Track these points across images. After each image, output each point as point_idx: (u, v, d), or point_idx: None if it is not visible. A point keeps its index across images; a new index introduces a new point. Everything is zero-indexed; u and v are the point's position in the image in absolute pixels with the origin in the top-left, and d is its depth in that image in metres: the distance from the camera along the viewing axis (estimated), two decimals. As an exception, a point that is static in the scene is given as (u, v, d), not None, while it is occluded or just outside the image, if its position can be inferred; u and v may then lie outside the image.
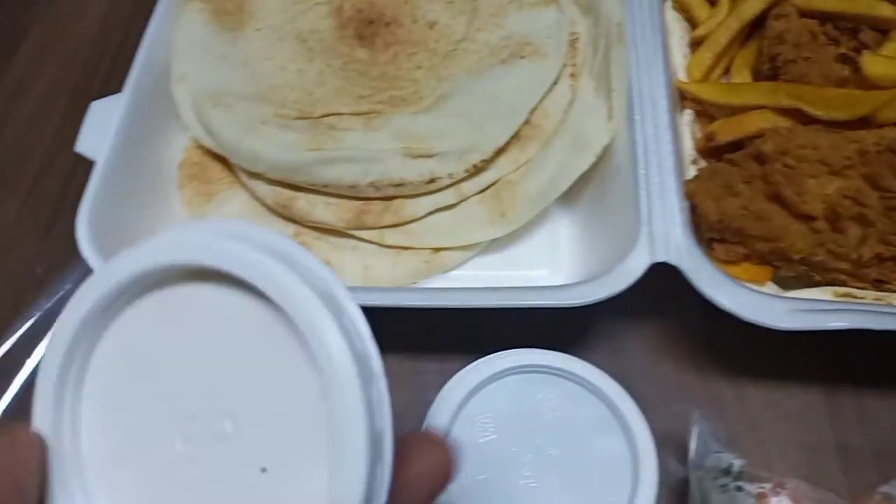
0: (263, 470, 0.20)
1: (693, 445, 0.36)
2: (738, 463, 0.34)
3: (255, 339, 0.20)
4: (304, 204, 0.43)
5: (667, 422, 0.39)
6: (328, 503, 0.18)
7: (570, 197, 0.45)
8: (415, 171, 0.42)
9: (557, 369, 0.38)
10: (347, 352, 0.19)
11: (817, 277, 0.40)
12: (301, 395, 0.19)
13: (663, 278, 0.38)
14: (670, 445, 0.39)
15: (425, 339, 0.44)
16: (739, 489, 0.33)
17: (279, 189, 0.43)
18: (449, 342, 0.43)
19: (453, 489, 0.36)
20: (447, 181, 0.42)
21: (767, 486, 0.33)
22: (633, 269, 0.37)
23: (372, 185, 0.42)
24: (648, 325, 0.44)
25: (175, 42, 0.47)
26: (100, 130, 0.43)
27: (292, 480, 0.19)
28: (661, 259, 0.37)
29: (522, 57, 0.46)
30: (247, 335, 0.20)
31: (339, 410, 0.19)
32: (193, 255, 0.20)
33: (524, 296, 0.37)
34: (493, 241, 0.44)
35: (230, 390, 0.20)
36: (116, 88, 0.45)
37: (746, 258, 0.40)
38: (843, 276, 0.39)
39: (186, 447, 0.21)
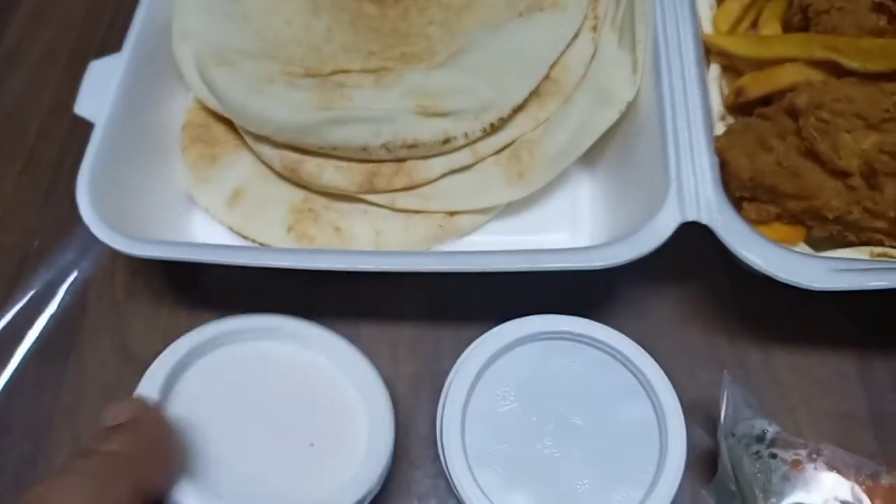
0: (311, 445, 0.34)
1: (724, 411, 0.34)
2: (771, 429, 0.33)
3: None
4: (313, 167, 0.41)
5: (693, 389, 0.37)
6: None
7: (591, 156, 0.43)
8: (429, 130, 0.40)
9: (580, 335, 0.37)
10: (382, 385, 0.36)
11: (851, 237, 0.38)
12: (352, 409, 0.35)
13: (687, 240, 0.36)
14: (697, 414, 0.38)
15: (441, 307, 0.42)
16: (773, 456, 0.32)
17: (286, 152, 0.42)
18: (465, 309, 0.42)
19: (473, 458, 0.35)
20: (462, 141, 0.40)
21: (803, 452, 0.32)
22: (662, 228, 0.35)
23: (384, 146, 0.40)
24: (673, 289, 0.42)
25: (175, 3, 0.45)
26: (99, 91, 0.41)
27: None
28: (691, 218, 0.35)
29: (541, 10, 0.44)
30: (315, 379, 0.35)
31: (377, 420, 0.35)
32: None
33: (547, 258, 0.35)
34: (511, 204, 0.42)
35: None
36: (115, 49, 0.43)
37: (778, 218, 0.38)
38: (879, 236, 0.37)
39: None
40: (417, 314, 0.41)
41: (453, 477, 0.34)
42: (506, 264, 0.35)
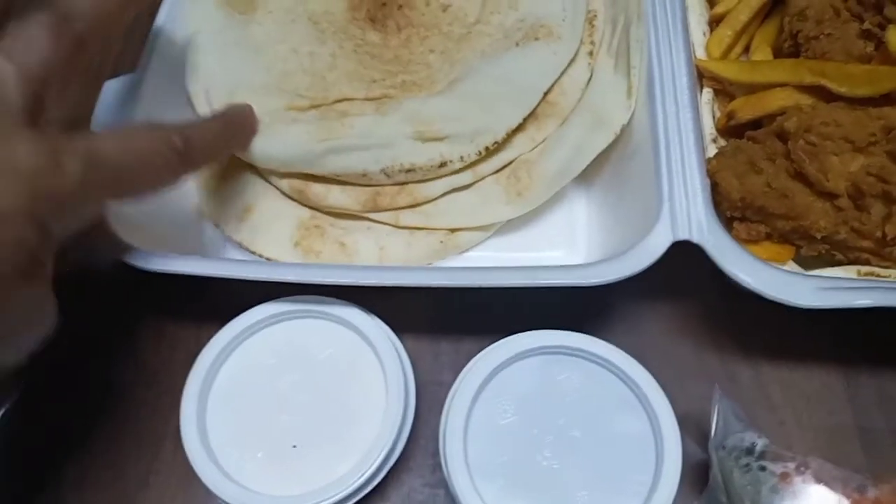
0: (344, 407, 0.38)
1: (714, 424, 0.35)
2: (761, 442, 0.34)
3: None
4: (319, 189, 0.43)
5: (685, 403, 0.38)
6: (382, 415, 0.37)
7: (587, 176, 0.44)
8: (425, 155, 0.41)
9: (578, 350, 0.38)
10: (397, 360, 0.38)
11: (839, 256, 0.39)
12: (375, 378, 0.38)
13: (680, 258, 0.37)
14: (689, 427, 0.39)
15: (441, 321, 0.43)
16: (763, 469, 0.33)
17: (293, 179, 0.43)
18: (464, 324, 0.43)
19: (475, 470, 0.36)
20: (459, 164, 0.42)
21: (791, 465, 0.33)
22: (654, 247, 0.36)
23: (383, 171, 0.41)
24: (666, 305, 0.44)
25: (187, 26, 0.46)
26: (113, 110, 0.43)
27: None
28: (683, 237, 0.36)
29: (537, 39, 0.45)
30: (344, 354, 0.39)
31: (390, 384, 0.38)
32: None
33: (543, 275, 0.36)
34: (510, 221, 0.44)
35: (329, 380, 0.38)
36: (129, 68, 0.44)
37: (767, 237, 0.40)
38: (866, 255, 0.39)
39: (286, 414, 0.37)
40: (418, 327, 0.42)
41: (455, 488, 0.35)
42: (505, 280, 0.36)
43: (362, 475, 0.35)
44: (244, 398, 0.38)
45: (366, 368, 0.38)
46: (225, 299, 0.41)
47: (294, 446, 0.36)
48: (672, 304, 0.44)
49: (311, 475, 0.36)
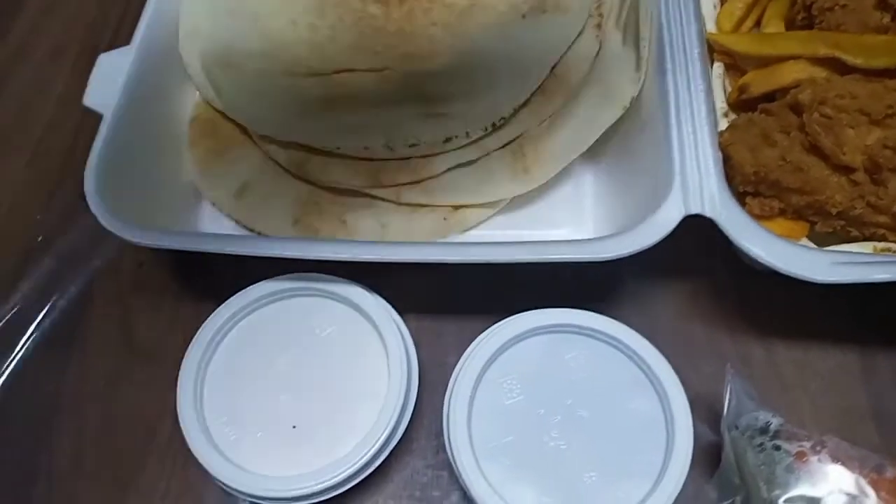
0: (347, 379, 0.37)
1: (727, 404, 0.34)
2: (775, 421, 0.33)
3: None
4: (319, 164, 0.41)
5: (696, 383, 0.37)
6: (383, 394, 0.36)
7: (595, 152, 0.43)
8: (430, 130, 0.40)
9: (586, 328, 0.37)
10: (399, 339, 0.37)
11: (855, 233, 0.38)
12: (377, 357, 0.37)
13: (692, 236, 0.36)
14: (700, 407, 0.38)
15: (445, 299, 0.42)
16: (777, 448, 0.32)
17: (292, 150, 0.42)
18: (469, 302, 0.42)
19: (479, 451, 0.35)
20: (465, 140, 0.41)
21: (807, 444, 0.32)
22: (666, 221, 0.35)
23: (386, 145, 0.40)
24: (677, 283, 0.42)
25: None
26: (108, 84, 0.41)
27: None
28: (695, 211, 0.35)
29: (544, 11, 0.44)
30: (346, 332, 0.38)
31: (392, 363, 0.37)
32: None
33: (552, 250, 0.35)
34: (515, 198, 0.43)
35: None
36: (125, 43, 0.43)
37: (781, 213, 0.39)
38: (882, 231, 0.37)
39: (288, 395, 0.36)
40: (420, 307, 0.41)
41: (460, 469, 0.34)
42: (510, 255, 0.35)
43: (363, 456, 0.34)
44: (243, 377, 0.37)
45: (368, 347, 0.37)
46: (225, 277, 0.40)
47: (294, 426, 0.35)
48: (683, 282, 0.42)
49: (311, 456, 0.35)
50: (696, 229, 0.35)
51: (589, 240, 0.35)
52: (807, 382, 0.40)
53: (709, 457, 0.37)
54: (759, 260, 0.34)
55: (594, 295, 0.42)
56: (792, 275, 0.33)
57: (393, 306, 0.39)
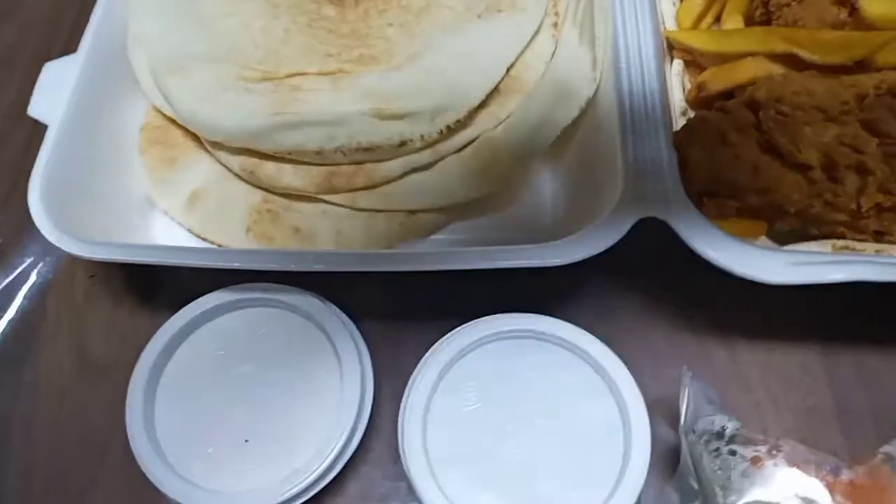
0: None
1: (684, 408, 0.34)
2: (731, 425, 0.32)
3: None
4: (271, 170, 0.41)
5: (658, 386, 0.37)
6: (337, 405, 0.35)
7: (554, 153, 0.42)
8: (384, 133, 0.39)
9: (543, 333, 0.36)
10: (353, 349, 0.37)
11: (814, 231, 0.38)
12: (331, 367, 0.37)
13: (653, 235, 0.36)
14: (661, 410, 0.37)
15: (403, 306, 0.42)
16: (733, 453, 0.32)
17: (244, 156, 0.41)
18: (427, 308, 0.41)
19: (435, 460, 0.34)
20: (419, 143, 0.40)
21: (763, 448, 0.31)
22: (618, 225, 0.34)
23: (339, 150, 0.39)
24: (638, 284, 0.42)
25: (131, 3, 0.44)
26: (54, 93, 0.41)
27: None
28: (648, 214, 0.35)
29: (500, 10, 0.43)
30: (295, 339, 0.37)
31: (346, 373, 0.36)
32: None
33: (503, 256, 0.34)
34: (474, 201, 0.42)
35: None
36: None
37: (739, 213, 0.38)
38: (841, 229, 0.37)
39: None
40: (378, 314, 0.41)
41: (414, 480, 0.33)
42: (462, 263, 0.34)
43: (317, 469, 0.34)
44: (194, 391, 0.36)
45: (320, 357, 0.36)
46: (179, 287, 0.39)
47: (246, 440, 0.35)
48: (644, 283, 0.42)
49: (264, 470, 0.34)
50: (656, 229, 0.35)
51: (539, 246, 0.35)
52: (770, 383, 0.39)
53: (670, 459, 0.37)
54: (714, 263, 0.34)
55: (555, 298, 0.41)
56: (746, 277, 0.33)
57: (348, 314, 0.38)
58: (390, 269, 0.35)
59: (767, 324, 0.41)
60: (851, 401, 0.38)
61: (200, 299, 0.37)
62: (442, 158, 0.41)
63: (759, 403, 0.39)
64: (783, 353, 0.40)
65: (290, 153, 0.40)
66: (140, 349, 0.36)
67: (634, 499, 0.32)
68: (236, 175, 0.42)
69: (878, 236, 0.37)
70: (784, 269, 0.33)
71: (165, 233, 0.43)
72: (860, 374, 0.39)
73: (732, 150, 0.37)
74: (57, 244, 0.36)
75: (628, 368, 0.35)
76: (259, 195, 0.41)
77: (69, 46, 0.53)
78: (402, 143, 0.40)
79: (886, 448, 0.32)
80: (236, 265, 0.34)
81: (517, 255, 0.34)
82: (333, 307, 0.37)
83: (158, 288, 0.43)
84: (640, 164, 0.36)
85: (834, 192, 0.37)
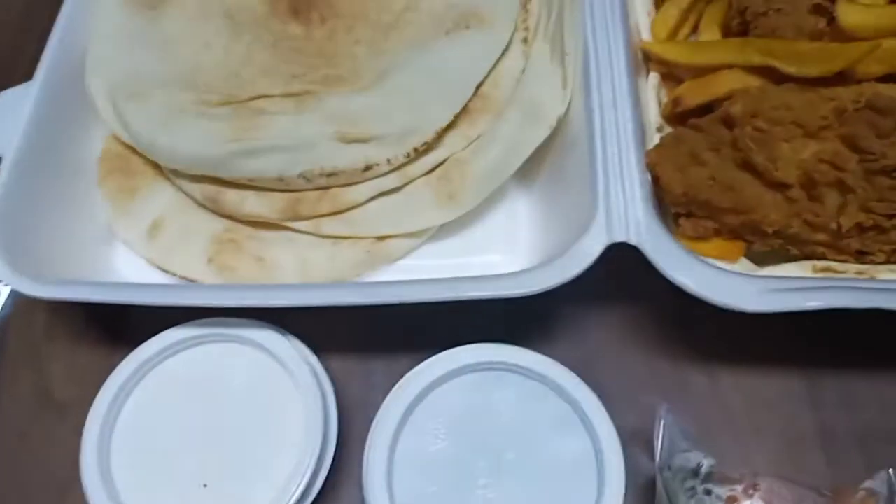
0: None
1: (659, 444, 0.32)
2: (707, 463, 0.31)
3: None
4: (233, 197, 0.39)
5: (636, 415, 0.36)
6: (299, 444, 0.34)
7: (527, 174, 0.41)
8: (348, 157, 0.38)
9: (514, 365, 0.35)
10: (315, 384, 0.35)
11: (794, 251, 0.36)
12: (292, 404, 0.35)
13: (629, 260, 0.34)
14: (640, 441, 0.36)
15: (371, 338, 0.40)
16: (708, 492, 0.30)
17: (205, 184, 0.40)
18: (396, 340, 0.40)
19: (401, 502, 0.33)
20: (386, 167, 0.39)
21: (739, 487, 0.30)
22: (588, 251, 0.33)
23: (302, 175, 0.38)
24: (614, 311, 0.41)
25: (88, 27, 0.43)
26: (9, 123, 0.39)
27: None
28: (619, 239, 0.33)
29: (468, 27, 0.42)
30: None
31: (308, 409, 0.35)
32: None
33: (469, 287, 0.33)
34: (445, 225, 0.41)
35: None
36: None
37: (716, 233, 0.37)
38: (821, 249, 0.36)
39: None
40: (344, 346, 0.39)
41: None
42: (426, 294, 0.33)
43: None
44: (151, 434, 0.35)
45: (281, 395, 0.35)
46: (141, 322, 0.38)
47: (205, 485, 0.33)
48: (620, 310, 0.41)
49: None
50: (632, 254, 0.34)
51: (507, 275, 0.33)
52: (752, 409, 0.38)
53: (649, 492, 0.35)
54: (687, 290, 0.32)
55: (530, 327, 0.40)
56: (720, 305, 0.32)
57: (312, 347, 0.37)
58: (353, 303, 0.33)
59: (748, 349, 0.39)
60: (836, 427, 0.37)
61: (156, 337, 0.36)
62: (410, 182, 0.39)
63: (741, 432, 0.37)
64: (765, 379, 0.39)
65: (251, 180, 0.39)
66: (100, 387, 0.35)
67: (608, 539, 0.31)
68: (198, 203, 0.40)
69: (860, 256, 0.35)
70: (758, 296, 0.32)
71: (128, 263, 0.41)
72: (845, 399, 0.38)
73: (707, 170, 0.36)
74: (14, 287, 0.35)
75: (605, 397, 0.34)
76: (221, 224, 0.40)
77: (30, 76, 0.52)
78: (368, 167, 0.38)
79: (869, 483, 0.30)
80: (193, 303, 0.33)
81: (483, 285, 0.33)
82: (295, 341, 0.36)
83: (119, 321, 0.41)
84: (611, 188, 0.35)
85: (813, 212, 0.35)
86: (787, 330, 0.39)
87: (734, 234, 0.37)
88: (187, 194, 0.40)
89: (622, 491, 0.32)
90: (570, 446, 0.34)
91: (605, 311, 0.40)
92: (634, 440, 0.35)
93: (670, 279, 0.32)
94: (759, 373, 0.39)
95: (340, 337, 0.39)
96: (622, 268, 0.39)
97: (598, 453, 0.33)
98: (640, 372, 0.39)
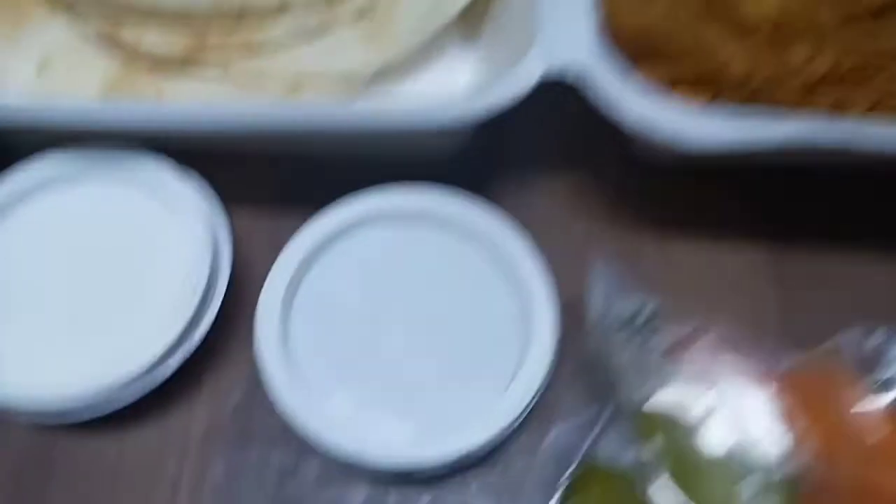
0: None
1: (593, 300, 0.28)
2: (649, 307, 0.27)
3: None
4: (132, 33, 0.34)
5: (576, 286, 0.31)
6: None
7: (470, 31, 0.37)
8: None
9: (443, 212, 0.31)
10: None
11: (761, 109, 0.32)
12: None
13: (583, 128, 0.32)
14: (577, 310, 0.32)
15: (284, 191, 0.36)
16: (649, 339, 0.26)
17: (102, 16, 0.35)
18: (315, 192, 0.35)
19: (295, 359, 0.28)
20: (302, 7, 0.34)
21: (687, 331, 0.26)
22: (523, 77, 0.29)
23: (208, 14, 0.33)
24: (563, 175, 0.36)
25: None
26: None
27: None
28: (557, 63, 0.29)
29: None
30: None
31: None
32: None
33: (382, 118, 0.29)
34: (376, 89, 0.36)
35: None
36: None
37: (676, 82, 0.33)
38: (788, 104, 0.32)
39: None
40: (256, 199, 0.35)
41: (267, 379, 0.27)
42: (347, 122, 0.29)
43: (149, 358, 0.27)
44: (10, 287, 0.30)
45: (163, 235, 0.30)
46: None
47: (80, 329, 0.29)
48: (570, 174, 0.36)
49: (90, 367, 0.28)
50: (592, 121, 0.29)
51: (431, 106, 0.29)
52: (710, 284, 0.34)
53: (583, 361, 0.31)
54: (627, 123, 0.28)
55: (465, 183, 0.35)
56: (669, 140, 0.28)
57: (224, 196, 0.32)
58: (235, 129, 0.29)
59: (705, 221, 0.35)
60: (800, 304, 0.33)
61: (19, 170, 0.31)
62: (332, 23, 0.35)
63: (693, 308, 0.33)
64: (722, 251, 0.34)
65: (152, 10, 0.34)
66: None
67: (529, 397, 0.27)
68: (95, 39, 0.36)
69: (834, 111, 0.32)
70: (714, 128, 0.28)
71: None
72: (813, 275, 0.34)
73: (665, 6, 0.32)
74: None
75: (544, 262, 0.30)
76: (118, 62, 0.35)
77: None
78: (283, 7, 0.34)
79: (836, 338, 0.26)
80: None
81: (396, 116, 0.29)
82: (190, 180, 0.31)
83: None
84: (556, 15, 0.30)
85: (781, 61, 0.31)
86: (748, 202, 0.35)
87: (696, 83, 0.33)
88: (81, 28, 0.36)
89: (550, 353, 0.28)
90: (496, 301, 0.30)
91: (551, 176, 0.36)
92: (571, 309, 0.31)
93: (610, 112, 0.28)
94: (716, 245, 0.34)
95: (250, 191, 0.35)
96: (574, 134, 0.36)
97: (527, 315, 0.29)
98: (584, 240, 0.34)
